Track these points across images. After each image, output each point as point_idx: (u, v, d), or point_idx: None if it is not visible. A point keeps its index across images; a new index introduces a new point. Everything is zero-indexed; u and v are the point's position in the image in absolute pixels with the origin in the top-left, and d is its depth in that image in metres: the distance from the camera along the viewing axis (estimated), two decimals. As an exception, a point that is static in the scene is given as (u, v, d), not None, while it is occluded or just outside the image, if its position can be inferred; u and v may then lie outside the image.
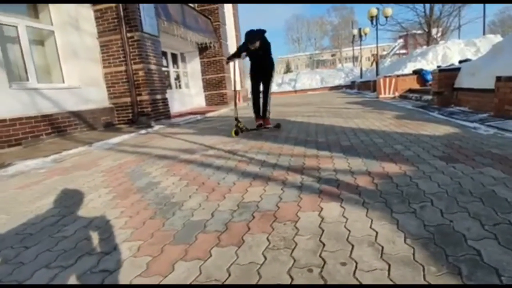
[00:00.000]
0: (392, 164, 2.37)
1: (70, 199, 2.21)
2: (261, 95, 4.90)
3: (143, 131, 5.92)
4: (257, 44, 4.38)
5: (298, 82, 25.47)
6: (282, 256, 1.23)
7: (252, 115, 5.02)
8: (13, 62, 5.39)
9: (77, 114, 6.13)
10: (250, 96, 4.89)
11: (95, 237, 1.55)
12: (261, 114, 4.85)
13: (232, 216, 1.64)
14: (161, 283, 1.11)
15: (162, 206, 1.89)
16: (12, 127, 4.85)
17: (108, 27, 6.75)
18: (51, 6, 6.05)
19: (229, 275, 1.13)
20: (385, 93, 10.38)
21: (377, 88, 10.90)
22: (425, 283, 1.01)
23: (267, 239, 1.37)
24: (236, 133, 4.29)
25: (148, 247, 1.38)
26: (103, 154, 3.99)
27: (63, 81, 6.25)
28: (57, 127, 5.69)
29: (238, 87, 15.36)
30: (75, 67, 6.32)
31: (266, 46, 4.57)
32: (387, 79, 10.46)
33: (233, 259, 1.23)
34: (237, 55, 4.66)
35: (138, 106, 6.91)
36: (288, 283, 1.06)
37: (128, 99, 6.92)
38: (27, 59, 5.52)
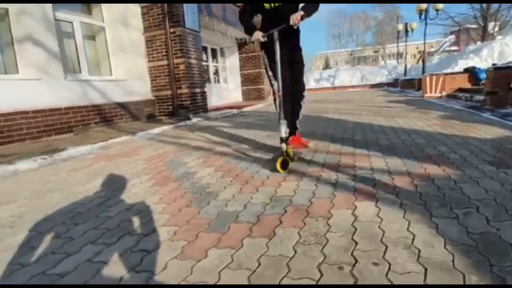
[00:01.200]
0: (435, 166, 2.25)
1: (114, 184, 2.38)
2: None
3: (181, 123, 6.15)
4: None
5: (337, 78, 24.82)
6: (312, 251, 1.23)
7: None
8: (68, 55, 5.85)
9: (122, 105, 6.51)
10: (273, 97, 2.74)
11: (135, 219, 1.66)
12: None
13: (264, 209, 1.66)
14: (193, 267, 1.16)
15: (198, 195, 1.96)
16: (66, 115, 5.28)
17: (154, 23, 7.05)
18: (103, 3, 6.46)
19: (259, 265, 1.15)
20: (431, 92, 9.77)
21: (422, 86, 10.29)
22: (464, 291, 0.96)
23: (298, 233, 1.37)
24: (284, 168, 2.30)
25: (184, 233, 1.45)
26: (145, 143, 4.21)
27: (111, 74, 6.66)
28: (105, 116, 6.09)
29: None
30: (122, 60, 6.70)
31: None
32: (434, 77, 9.82)
33: (264, 250, 1.25)
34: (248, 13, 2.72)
35: (178, 99, 7.17)
36: (317, 278, 1.06)
37: (169, 92, 7.20)
38: (80, 53, 5.96)
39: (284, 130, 2.40)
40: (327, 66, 45.91)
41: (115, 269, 1.19)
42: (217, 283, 1.06)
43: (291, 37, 2.61)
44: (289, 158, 2.38)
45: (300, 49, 2.79)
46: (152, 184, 2.29)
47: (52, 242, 1.46)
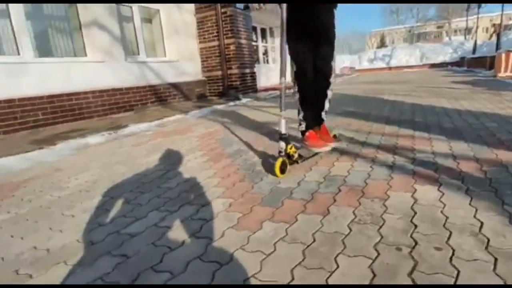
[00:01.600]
0: (509, 152, 2.03)
1: (171, 158, 2.53)
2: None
3: (231, 103, 6.27)
4: None
5: (393, 58, 23.16)
6: (368, 230, 1.20)
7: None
8: (128, 38, 6.22)
9: (175, 86, 6.81)
10: (292, 83, 2.40)
11: (193, 191, 1.76)
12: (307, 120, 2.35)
13: (318, 187, 1.66)
14: (249, 237, 1.21)
15: (250, 172, 2.01)
16: (126, 95, 5.69)
17: (205, 4, 7.15)
18: (159, -14, 6.69)
19: (314, 240, 1.16)
20: (506, 71, 8.68)
21: (495, 65, 9.17)
22: (543, 284, 0.88)
23: (353, 212, 1.35)
24: (283, 171, 1.87)
25: (239, 205, 1.51)
26: (197, 122, 4.39)
27: (165, 55, 6.96)
28: (160, 96, 6.44)
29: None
30: (175, 42, 6.95)
31: None
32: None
33: (318, 226, 1.26)
34: None
35: (228, 79, 7.29)
36: (374, 257, 1.04)
37: (219, 73, 7.35)
38: (138, 36, 6.29)
39: (283, 126, 1.96)
40: (382, 45, 42.92)
41: (178, 233, 1.29)
42: (273, 253, 1.10)
43: (318, 7, 2.01)
44: (288, 160, 1.94)
45: (331, 21, 2.12)
46: (206, 159, 2.40)
47: (122, 206, 1.63)
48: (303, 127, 2.31)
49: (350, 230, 1.22)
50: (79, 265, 1.13)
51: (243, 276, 0.99)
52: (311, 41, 2.14)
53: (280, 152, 1.92)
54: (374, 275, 0.95)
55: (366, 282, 0.93)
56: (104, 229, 1.39)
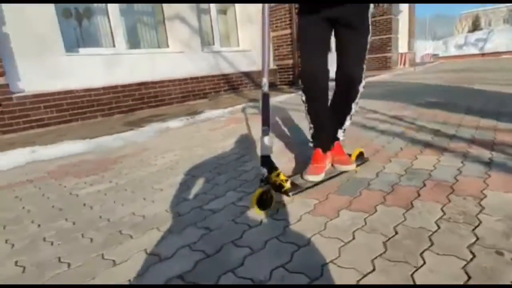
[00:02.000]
0: None
1: (246, 143, 2.63)
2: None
3: (300, 92, 6.19)
4: None
5: (489, 42, 20.17)
6: (460, 230, 1.10)
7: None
8: (204, 30, 6.55)
9: (247, 74, 6.98)
10: (301, 86, 1.77)
11: (267, 175, 1.81)
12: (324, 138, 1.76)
13: (399, 180, 1.56)
14: (326, 224, 1.21)
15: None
16: (201, 83, 6.03)
17: (277, -10, 7.11)
18: (235, -23, 6.86)
19: (396, 233, 1.11)
20: None
21: None
22: None
23: (442, 209, 1.24)
24: (264, 205, 1.34)
25: (315, 192, 1.51)
26: (268, 110, 4.45)
27: (238, 45, 7.16)
28: (232, 85, 6.68)
29: (404, 49, 13.62)
30: (248, 32, 7.08)
31: None
32: None
33: (400, 219, 1.19)
34: None
35: (298, 68, 7.20)
36: (468, 259, 0.95)
37: (290, 61, 7.30)
38: (214, 27, 6.58)
39: (265, 145, 1.41)
40: (475, 28, 37.61)
41: (255, 213, 1.34)
42: (351, 242, 1.08)
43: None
44: (274, 190, 1.41)
45: (365, 9, 1.54)
46: (280, 145, 2.44)
47: (203, 185, 1.76)
48: (310, 144, 1.81)
49: (438, 227, 1.12)
50: (169, 232, 1.26)
51: (321, 260, 0.99)
52: (332, 32, 1.60)
53: (261, 180, 1.42)
54: (469, 277, 0.87)
55: (460, 283, 0.85)
56: (189, 203, 1.52)
